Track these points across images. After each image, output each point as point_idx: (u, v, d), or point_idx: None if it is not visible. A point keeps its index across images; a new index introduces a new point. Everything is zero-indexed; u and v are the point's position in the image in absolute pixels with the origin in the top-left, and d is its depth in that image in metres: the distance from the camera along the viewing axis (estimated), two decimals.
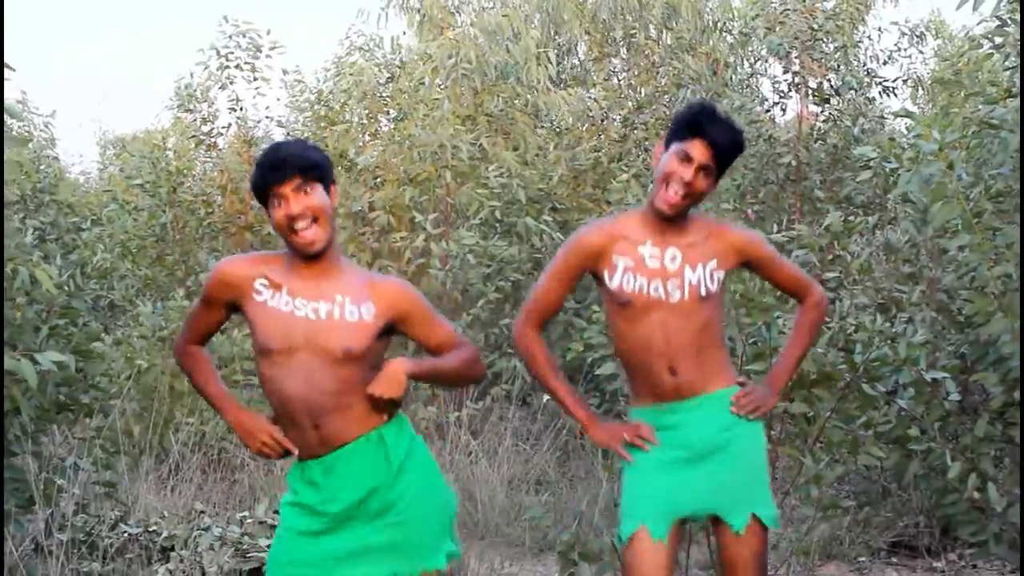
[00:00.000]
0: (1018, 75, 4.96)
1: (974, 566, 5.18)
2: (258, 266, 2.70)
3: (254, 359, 2.77)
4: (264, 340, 2.64)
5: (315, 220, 2.61)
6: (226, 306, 2.74)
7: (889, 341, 4.61)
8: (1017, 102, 4.62)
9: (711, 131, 2.86)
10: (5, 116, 3.97)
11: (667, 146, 2.93)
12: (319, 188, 2.64)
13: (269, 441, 2.71)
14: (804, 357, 3.20)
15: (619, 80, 10.90)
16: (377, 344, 2.70)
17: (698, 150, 2.86)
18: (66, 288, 4.62)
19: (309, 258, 2.66)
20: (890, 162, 5.06)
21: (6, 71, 3.79)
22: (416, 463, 2.75)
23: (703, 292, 2.92)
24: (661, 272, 2.92)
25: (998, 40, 5.04)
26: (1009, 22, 4.87)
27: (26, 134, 9.61)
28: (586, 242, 2.98)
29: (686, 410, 2.96)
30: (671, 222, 2.93)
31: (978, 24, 5.14)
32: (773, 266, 3.08)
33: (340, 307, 2.65)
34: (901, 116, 5.11)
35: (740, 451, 2.98)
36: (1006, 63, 5.18)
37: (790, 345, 3.16)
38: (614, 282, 2.93)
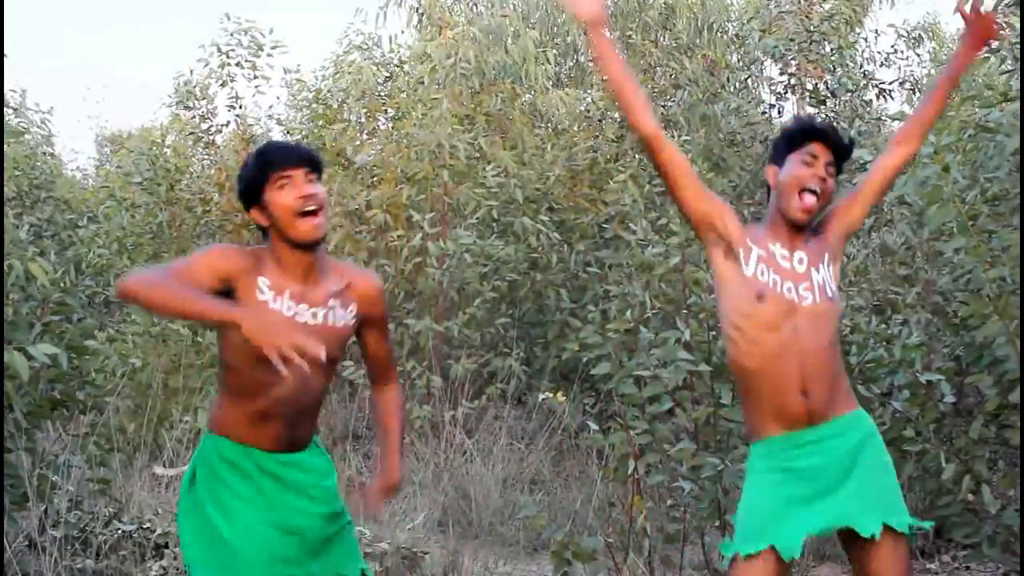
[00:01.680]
0: (1014, 79, 4.97)
1: (968, 568, 5.19)
2: (254, 263, 2.60)
3: (226, 357, 2.63)
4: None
5: (320, 209, 2.59)
6: (214, 288, 2.52)
7: (884, 343, 4.62)
8: (1013, 106, 4.64)
9: (824, 133, 2.89)
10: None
11: (777, 162, 2.92)
12: (319, 183, 2.63)
13: (302, 342, 2.27)
14: None
15: None
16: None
17: (820, 149, 2.87)
18: (61, 284, 4.61)
19: (302, 249, 2.59)
20: None
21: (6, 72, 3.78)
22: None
23: (830, 293, 2.85)
24: (792, 274, 2.83)
25: (994, 44, 5.05)
26: (1004, 26, 4.88)
27: (23, 127, 9.58)
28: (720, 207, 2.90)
29: (819, 438, 2.80)
30: (799, 230, 2.88)
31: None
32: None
33: (333, 312, 2.66)
34: (897, 119, 5.12)
35: (871, 466, 2.84)
36: (1002, 67, 5.19)
37: None
38: (749, 268, 2.82)
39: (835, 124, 8.14)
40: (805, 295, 2.81)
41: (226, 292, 2.54)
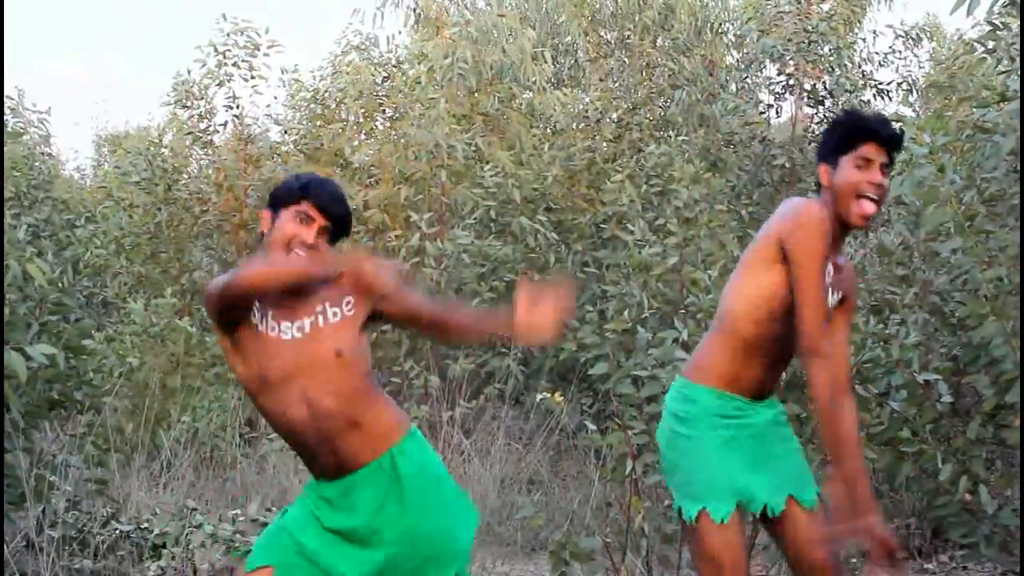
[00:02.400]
0: (1011, 79, 4.98)
1: (965, 568, 5.19)
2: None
3: (247, 392, 2.67)
4: (263, 371, 2.59)
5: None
6: (227, 314, 2.61)
7: (882, 343, 4.62)
8: (1010, 106, 4.64)
9: (877, 133, 2.85)
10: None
11: (829, 161, 2.90)
12: (327, 241, 2.67)
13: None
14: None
15: (615, 81, 10.91)
16: (363, 338, 2.66)
17: (874, 150, 2.85)
18: (58, 284, 4.61)
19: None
20: None
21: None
22: (428, 496, 2.66)
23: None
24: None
25: (990, 44, 5.06)
26: (1000, 26, 4.89)
27: (20, 128, 9.58)
28: (827, 223, 2.81)
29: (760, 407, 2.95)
30: (846, 231, 2.91)
31: (972, 27, 5.15)
32: None
33: (322, 315, 2.62)
34: (894, 120, 5.12)
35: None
36: (998, 67, 5.19)
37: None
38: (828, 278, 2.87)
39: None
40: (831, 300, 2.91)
41: (232, 322, 2.61)
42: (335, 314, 2.63)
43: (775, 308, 2.84)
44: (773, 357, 2.91)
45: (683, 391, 2.95)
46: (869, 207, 2.84)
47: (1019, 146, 4.48)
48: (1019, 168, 4.52)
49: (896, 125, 2.95)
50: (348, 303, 2.65)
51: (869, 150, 2.84)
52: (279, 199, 2.66)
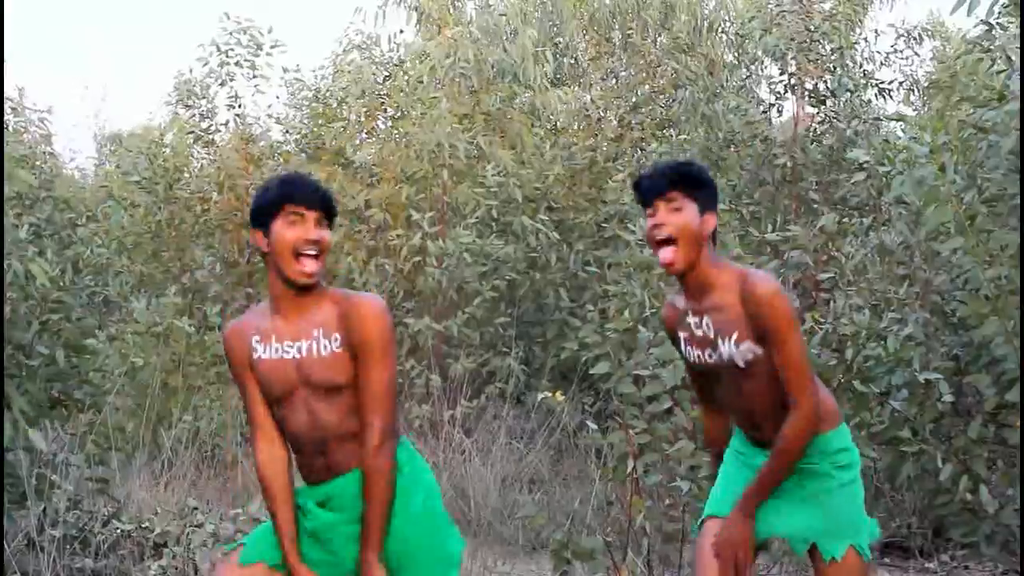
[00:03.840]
0: (1010, 79, 4.97)
1: (966, 567, 5.19)
2: (249, 325, 2.71)
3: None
4: (267, 390, 2.67)
5: (320, 254, 2.62)
6: (250, 369, 2.71)
7: (882, 341, 4.62)
8: (1009, 106, 4.64)
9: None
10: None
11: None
12: (328, 231, 2.66)
13: None
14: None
15: (616, 80, 10.91)
16: (351, 368, 2.65)
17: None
18: (59, 283, 4.62)
19: (298, 290, 2.63)
20: (883, 164, 5.08)
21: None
22: (414, 513, 2.67)
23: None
24: (703, 342, 2.89)
25: (987, 44, 5.06)
26: (996, 26, 4.89)
27: (21, 127, 9.58)
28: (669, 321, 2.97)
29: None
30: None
31: (975, 27, 5.15)
32: None
33: (317, 342, 2.62)
34: (893, 120, 5.13)
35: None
36: (993, 67, 5.20)
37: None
38: (687, 357, 2.96)
39: (833, 123, 8.18)
40: (707, 358, 2.86)
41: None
42: (326, 347, 2.63)
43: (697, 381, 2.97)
44: (739, 418, 2.89)
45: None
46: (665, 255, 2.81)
47: (1019, 146, 4.48)
48: (1019, 168, 4.52)
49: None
50: (336, 340, 2.62)
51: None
52: (263, 214, 2.64)
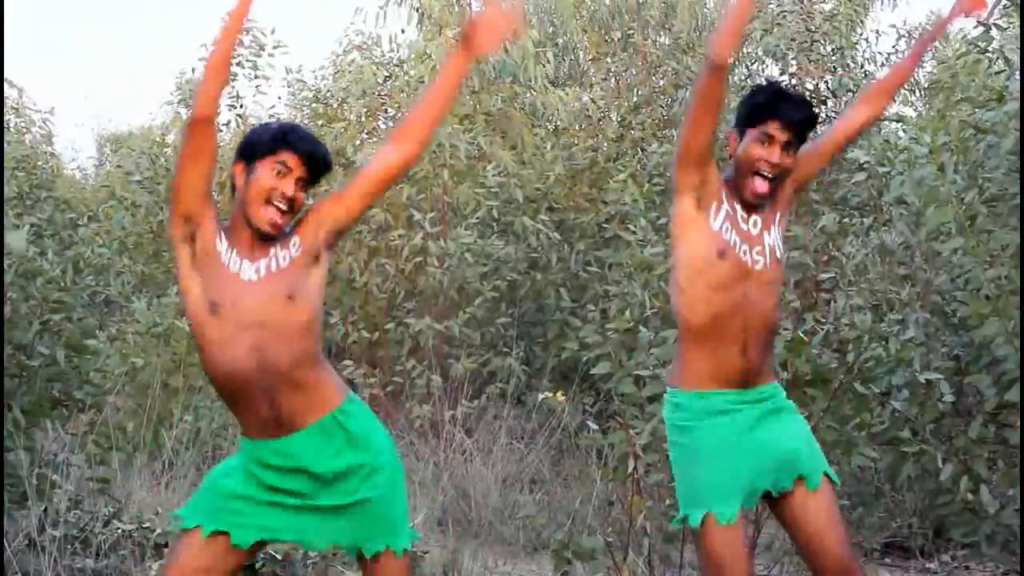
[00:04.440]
0: (1008, 80, 4.98)
1: (967, 567, 5.19)
2: (216, 213, 2.65)
3: (193, 322, 2.61)
4: (214, 299, 2.55)
5: (289, 211, 2.60)
6: (185, 217, 2.62)
7: (883, 342, 4.62)
8: (1008, 106, 4.64)
9: (782, 113, 2.80)
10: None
11: (740, 131, 2.86)
12: (305, 190, 2.64)
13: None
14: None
15: (617, 80, 10.90)
16: (314, 282, 2.62)
17: (777, 129, 2.80)
18: (60, 283, 4.62)
19: (258, 236, 2.60)
20: (883, 165, 5.08)
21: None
22: (383, 442, 2.67)
23: (779, 255, 2.88)
24: (748, 236, 2.84)
25: (984, 45, 5.06)
26: (995, 27, 4.89)
27: (23, 127, 9.59)
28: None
29: (752, 398, 2.86)
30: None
31: (975, 27, 5.15)
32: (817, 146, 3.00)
33: (274, 258, 2.59)
34: (892, 121, 5.13)
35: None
36: (991, 68, 5.20)
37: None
38: (716, 223, 2.81)
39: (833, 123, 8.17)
40: (758, 259, 2.83)
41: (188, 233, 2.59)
42: (285, 257, 2.60)
43: (701, 268, 2.80)
44: (734, 336, 2.82)
45: (670, 399, 2.91)
46: (761, 187, 2.81)
47: (1018, 146, 4.48)
48: (1020, 168, 4.52)
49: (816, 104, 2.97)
50: (295, 244, 2.61)
51: (773, 128, 2.80)
52: (254, 149, 2.61)
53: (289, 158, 2.58)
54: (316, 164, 2.62)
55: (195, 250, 2.59)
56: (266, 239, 2.61)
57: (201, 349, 2.60)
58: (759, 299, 2.82)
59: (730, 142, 2.89)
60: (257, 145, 2.61)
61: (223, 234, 2.61)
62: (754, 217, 2.86)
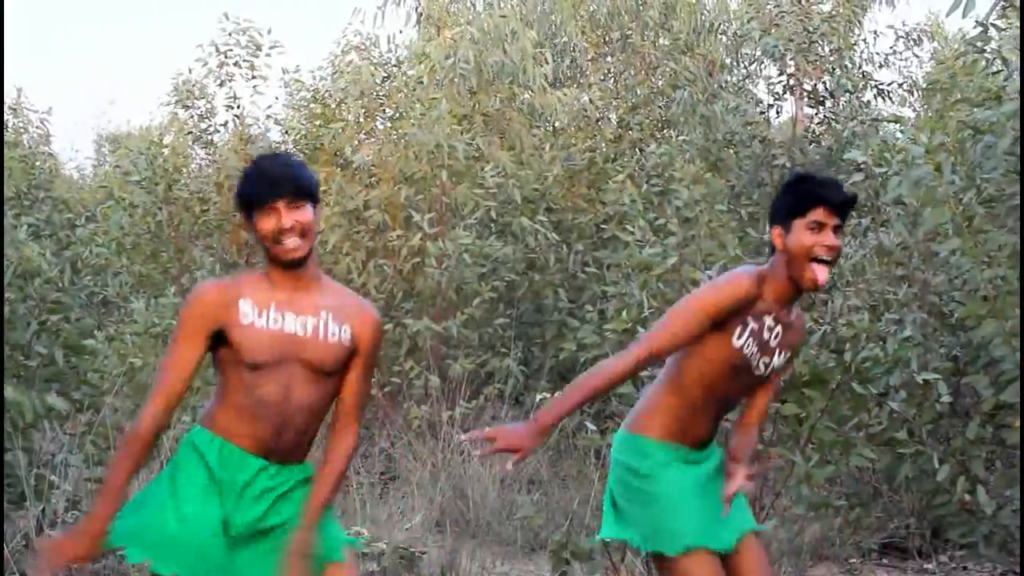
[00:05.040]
0: (1006, 80, 4.98)
1: (964, 568, 5.20)
2: (238, 288, 2.67)
3: (221, 370, 2.70)
4: (253, 357, 2.62)
5: (302, 235, 2.64)
6: (208, 337, 2.64)
7: (881, 342, 4.62)
8: (1005, 107, 4.64)
9: (828, 199, 2.84)
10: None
11: (782, 224, 2.89)
12: (308, 205, 2.67)
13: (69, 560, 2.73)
14: None
15: (615, 81, 10.91)
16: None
17: (825, 214, 2.83)
18: (58, 284, 4.62)
19: (289, 267, 2.66)
20: (881, 165, 5.09)
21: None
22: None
23: (777, 368, 3.00)
24: (766, 348, 2.91)
25: (982, 46, 5.06)
26: (992, 28, 4.89)
27: (21, 127, 9.59)
28: (743, 289, 2.84)
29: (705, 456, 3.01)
30: (800, 293, 2.92)
31: (974, 27, 5.16)
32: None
33: (325, 325, 2.66)
34: (890, 121, 5.14)
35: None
36: (988, 69, 5.20)
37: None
38: (738, 341, 2.87)
39: (832, 123, 8.18)
40: (762, 366, 2.94)
41: (221, 331, 2.63)
42: (333, 333, 2.68)
43: (712, 368, 2.89)
44: (714, 407, 2.96)
45: (633, 445, 2.98)
46: (823, 273, 2.84)
47: (1019, 146, 4.49)
48: (1018, 168, 4.53)
49: (847, 186, 3.01)
50: (347, 332, 2.69)
51: (821, 214, 2.83)
52: (250, 204, 2.66)
53: (279, 203, 2.63)
54: (302, 191, 2.66)
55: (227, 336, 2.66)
56: (301, 271, 2.67)
57: (238, 386, 2.67)
58: (746, 388, 2.99)
59: (774, 238, 2.92)
60: (253, 199, 2.66)
61: (248, 304, 2.65)
62: (778, 329, 2.92)
